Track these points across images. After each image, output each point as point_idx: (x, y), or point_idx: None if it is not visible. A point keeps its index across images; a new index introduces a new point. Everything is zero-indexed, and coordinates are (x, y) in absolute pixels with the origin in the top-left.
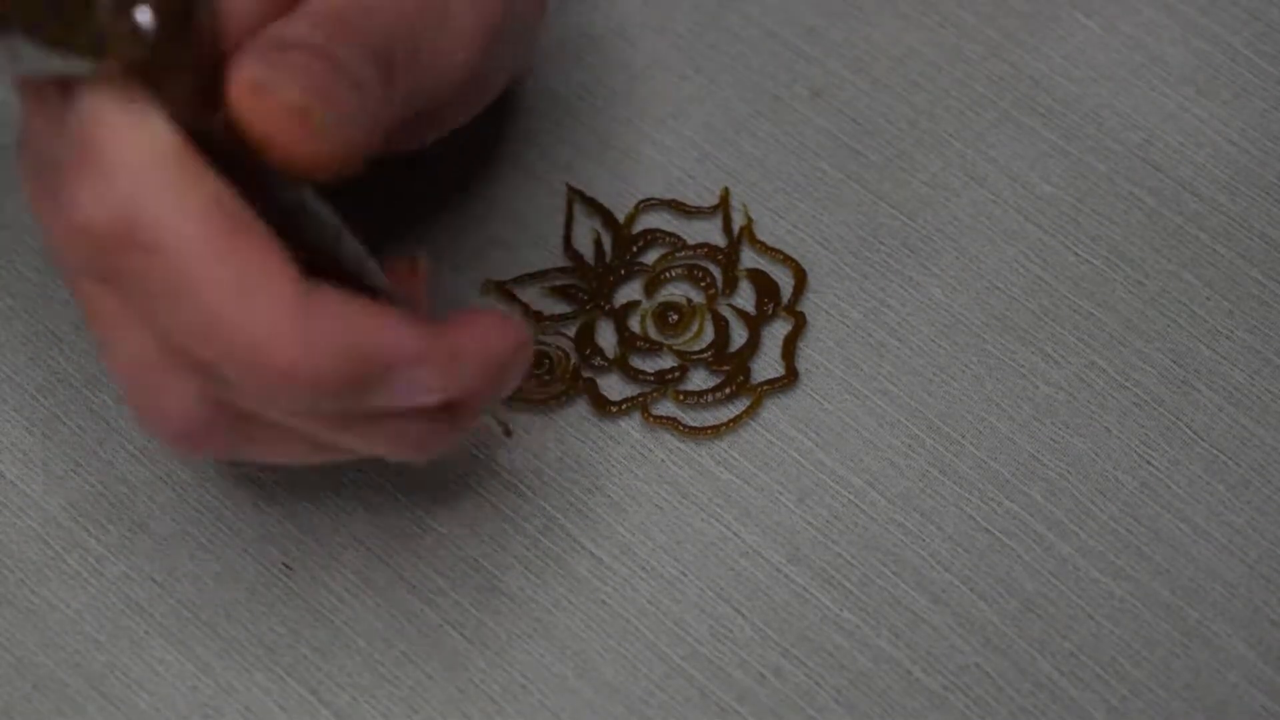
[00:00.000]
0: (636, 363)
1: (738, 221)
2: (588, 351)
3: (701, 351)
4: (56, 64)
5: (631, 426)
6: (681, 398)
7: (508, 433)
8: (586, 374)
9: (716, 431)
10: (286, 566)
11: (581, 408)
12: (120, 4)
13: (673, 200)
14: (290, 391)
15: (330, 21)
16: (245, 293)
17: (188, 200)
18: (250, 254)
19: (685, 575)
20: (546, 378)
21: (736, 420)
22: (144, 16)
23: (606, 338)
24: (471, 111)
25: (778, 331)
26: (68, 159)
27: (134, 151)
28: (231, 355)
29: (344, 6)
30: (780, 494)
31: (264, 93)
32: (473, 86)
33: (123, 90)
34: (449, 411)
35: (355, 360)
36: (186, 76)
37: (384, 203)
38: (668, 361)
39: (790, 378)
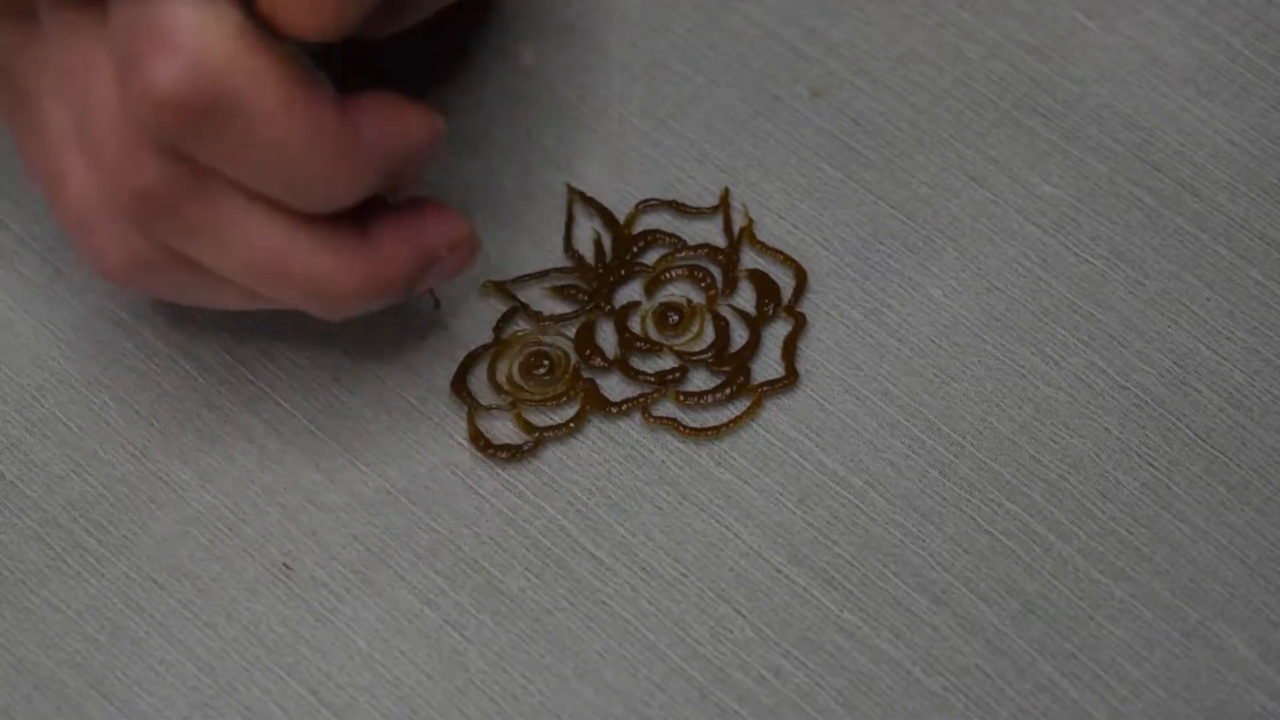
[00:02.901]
0: (637, 363)
1: (738, 222)
2: (588, 352)
3: (702, 352)
4: None
5: (631, 427)
6: (682, 398)
7: (436, 304)
8: (586, 375)
9: (717, 432)
10: (286, 566)
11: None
12: None
13: (673, 200)
14: (345, 196)
15: None
16: (317, 139)
17: (264, 66)
18: (316, 104)
19: (685, 576)
20: (546, 378)
21: (737, 421)
22: None
23: (607, 338)
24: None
25: (778, 332)
26: (125, 46)
27: (206, 29)
28: (309, 192)
29: None
30: (780, 494)
31: None
32: None
33: None
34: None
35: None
36: None
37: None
38: (668, 362)
39: (790, 378)
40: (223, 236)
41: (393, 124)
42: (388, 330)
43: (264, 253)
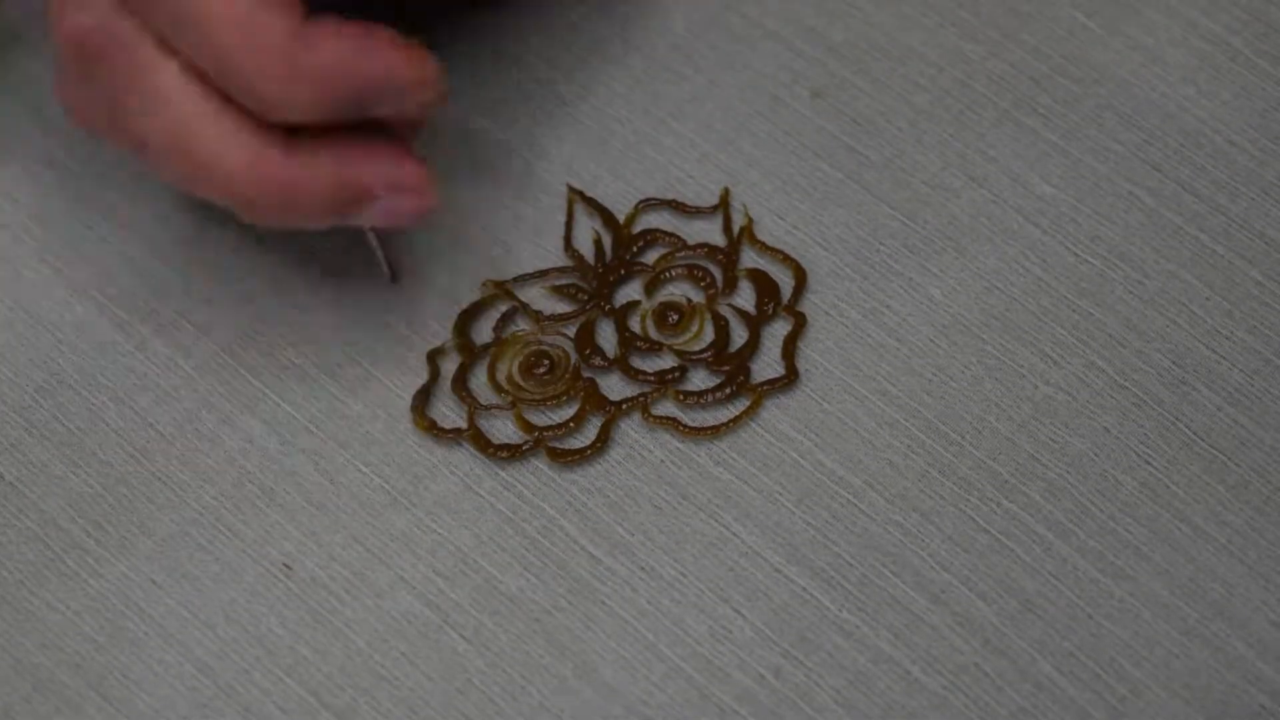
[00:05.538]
0: (636, 363)
1: (738, 221)
2: (588, 351)
3: (701, 351)
4: None
5: (631, 426)
6: (681, 398)
7: (393, 277)
8: (586, 374)
9: (716, 431)
10: (286, 566)
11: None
12: None
13: (673, 200)
14: (295, 112)
15: None
16: (256, 46)
17: None
18: (261, 15)
19: (685, 575)
20: (546, 378)
21: (736, 420)
22: None
23: (607, 338)
24: None
25: (778, 331)
26: None
27: None
28: (250, 97)
29: None
30: (780, 494)
31: None
32: None
33: None
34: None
35: (349, 87)
36: None
37: None
38: (668, 361)
39: (790, 378)
40: (145, 96)
41: (361, 54)
42: (388, 330)
43: (173, 124)
